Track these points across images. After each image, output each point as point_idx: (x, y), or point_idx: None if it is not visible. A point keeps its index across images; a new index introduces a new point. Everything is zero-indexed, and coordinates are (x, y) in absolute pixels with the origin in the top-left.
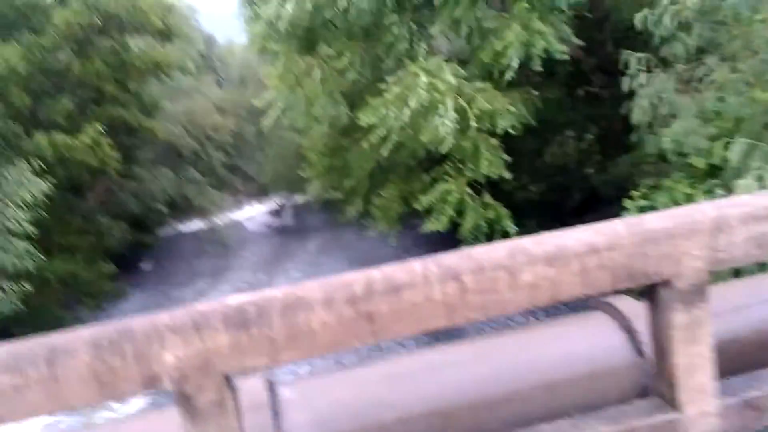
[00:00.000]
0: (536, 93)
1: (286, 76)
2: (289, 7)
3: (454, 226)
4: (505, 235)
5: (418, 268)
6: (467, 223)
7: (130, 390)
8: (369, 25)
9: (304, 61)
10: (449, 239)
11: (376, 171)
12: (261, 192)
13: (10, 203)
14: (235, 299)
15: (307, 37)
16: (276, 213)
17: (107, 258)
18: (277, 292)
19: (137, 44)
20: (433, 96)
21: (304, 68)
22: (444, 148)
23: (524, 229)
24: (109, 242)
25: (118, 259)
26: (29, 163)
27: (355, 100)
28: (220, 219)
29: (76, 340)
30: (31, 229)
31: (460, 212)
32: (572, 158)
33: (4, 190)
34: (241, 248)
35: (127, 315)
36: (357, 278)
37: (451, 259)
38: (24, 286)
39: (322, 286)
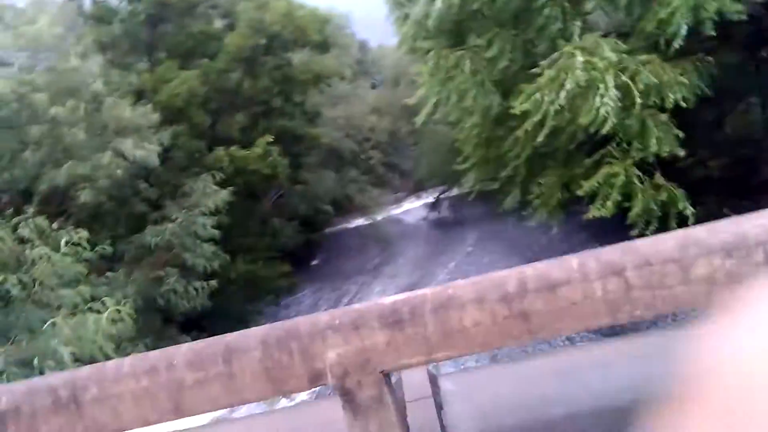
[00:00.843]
0: (710, 60)
1: (437, 72)
2: (437, 4)
3: (623, 211)
4: (682, 218)
5: (575, 264)
6: (636, 208)
7: (298, 386)
8: (518, 9)
9: (454, 54)
10: (617, 226)
11: (534, 158)
12: (418, 187)
13: (197, 212)
14: (389, 299)
15: (455, 31)
16: (433, 206)
17: (282, 256)
18: (428, 291)
19: (299, 58)
20: (591, 75)
21: (454, 61)
22: (606, 129)
23: (704, 210)
24: (282, 242)
25: (291, 256)
26: (212, 176)
27: (507, 88)
28: (380, 215)
29: (248, 338)
30: (216, 233)
31: (627, 196)
32: (758, 127)
33: (192, 200)
34: (401, 242)
35: (300, 308)
36: (509, 276)
37: (612, 253)
38: (212, 285)
39: (474, 285)
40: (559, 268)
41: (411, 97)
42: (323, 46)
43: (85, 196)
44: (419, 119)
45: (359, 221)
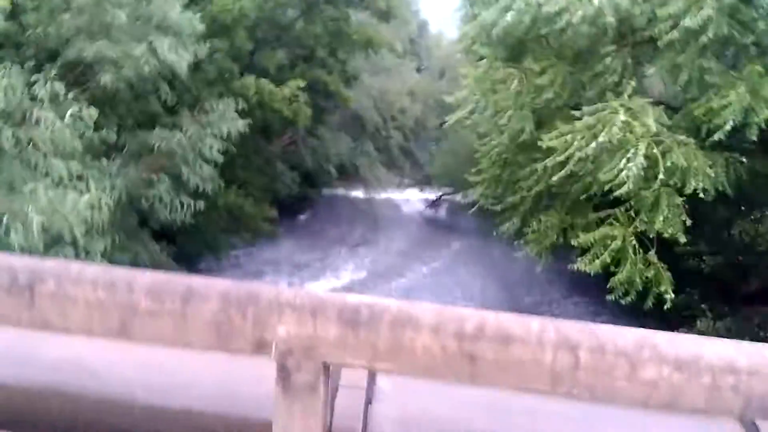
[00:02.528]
0: (743, 161)
1: (483, 80)
2: (509, 17)
3: (607, 273)
4: (660, 300)
5: (534, 327)
6: (621, 275)
7: (241, 348)
8: (582, 49)
9: (505, 70)
10: (597, 285)
11: (543, 195)
12: (425, 181)
13: (209, 132)
14: (353, 297)
15: (515, 48)
16: (432, 205)
17: (273, 201)
18: (392, 303)
19: (357, 18)
20: (626, 137)
21: (503, 77)
22: (621, 192)
23: (684, 299)
24: (278, 188)
25: (281, 204)
26: (235, 101)
27: (543, 119)
28: (380, 194)
29: (210, 287)
30: (220, 158)
31: (617, 261)
32: (763, 240)
33: (208, 118)
34: (391, 226)
35: (274, 255)
36: (471, 316)
37: (571, 327)
38: (198, 205)
39: (435, 312)
40: (519, 325)
41: (451, 95)
42: (384, 15)
43: (105, 78)
44: (451, 119)
45: (358, 193)
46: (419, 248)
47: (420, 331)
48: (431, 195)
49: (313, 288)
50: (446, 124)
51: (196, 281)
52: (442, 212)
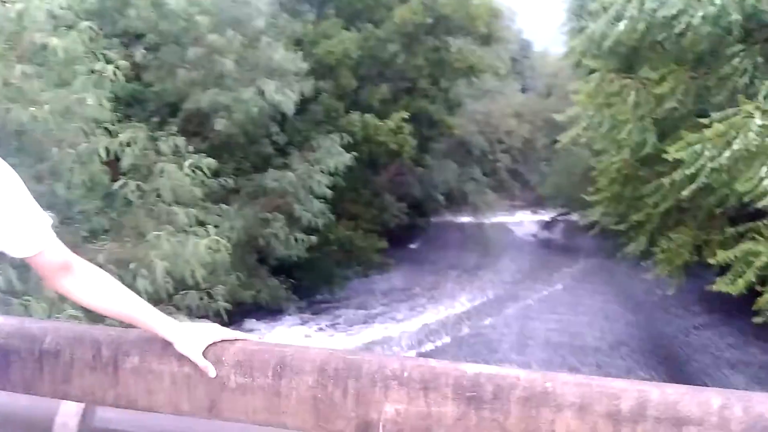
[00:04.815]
0: None
1: (596, 94)
2: (621, 26)
3: (752, 293)
4: None
5: (714, 403)
6: None
7: (342, 430)
8: (705, 52)
9: (620, 82)
10: (741, 306)
11: (671, 211)
12: (537, 202)
13: (317, 168)
14: (472, 367)
15: (629, 57)
16: (546, 226)
17: (382, 232)
18: (521, 374)
19: (458, 45)
20: (765, 142)
21: (617, 89)
22: (763, 204)
23: None
24: (387, 218)
25: (391, 234)
26: (340, 137)
27: (666, 130)
28: (491, 219)
29: (306, 359)
30: (328, 192)
31: (763, 279)
32: None
33: (316, 155)
34: (503, 251)
35: (387, 286)
36: (627, 390)
37: (766, 403)
38: (312, 239)
39: (579, 386)
40: (694, 401)
41: (559, 112)
42: (485, 39)
43: (219, 124)
44: (564, 138)
45: (468, 218)
46: (536, 271)
47: (561, 411)
48: (545, 216)
49: (429, 320)
50: (558, 143)
51: (291, 351)
52: (558, 234)
